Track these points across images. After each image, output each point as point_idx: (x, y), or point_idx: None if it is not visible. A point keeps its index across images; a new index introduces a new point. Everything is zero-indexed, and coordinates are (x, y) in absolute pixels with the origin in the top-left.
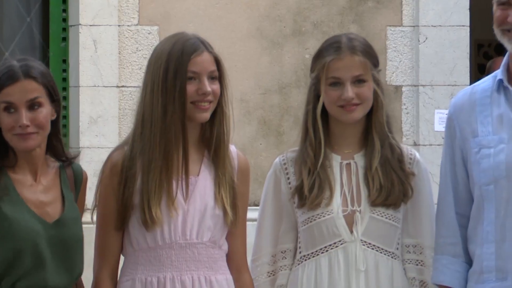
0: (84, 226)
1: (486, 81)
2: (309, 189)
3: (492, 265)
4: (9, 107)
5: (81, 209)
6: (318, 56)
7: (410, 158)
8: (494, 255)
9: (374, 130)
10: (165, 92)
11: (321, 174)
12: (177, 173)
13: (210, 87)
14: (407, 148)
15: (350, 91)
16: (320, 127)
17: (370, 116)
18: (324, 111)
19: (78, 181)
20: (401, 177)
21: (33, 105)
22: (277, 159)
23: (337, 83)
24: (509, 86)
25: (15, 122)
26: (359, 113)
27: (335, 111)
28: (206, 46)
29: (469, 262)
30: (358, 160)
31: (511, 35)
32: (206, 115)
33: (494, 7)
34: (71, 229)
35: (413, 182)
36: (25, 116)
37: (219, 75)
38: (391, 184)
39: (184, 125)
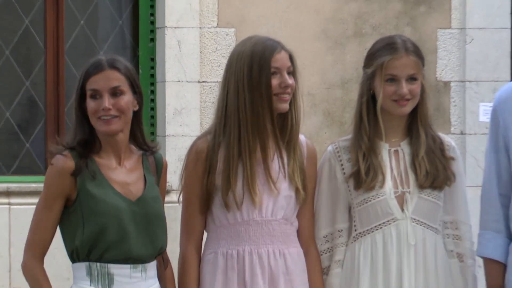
0: (170, 205)
1: None
2: (365, 173)
3: None
4: (95, 94)
5: (163, 191)
6: (375, 54)
7: (448, 145)
8: None
9: (420, 122)
10: (251, 87)
11: (373, 160)
12: (255, 159)
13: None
14: (443, 136)
15: (405, 88)
16: (380, 118)
17: (415, 109)
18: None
19: (159, 167)
20: (444, 164)
21: (115, 92)
22: (330, 147)
23: (392, 79)
24: None
25: (98, 106)
26: (410, 107)
27: (389, 105)
28: (282, 45)
29: (510, 237)
30: (404, 147)
31: None
32: (286, 106)
33: None
34: (152, 207)
35: (453, 167)
36: (107, 101)
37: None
38: (436, 170)
39: (273, 114)
